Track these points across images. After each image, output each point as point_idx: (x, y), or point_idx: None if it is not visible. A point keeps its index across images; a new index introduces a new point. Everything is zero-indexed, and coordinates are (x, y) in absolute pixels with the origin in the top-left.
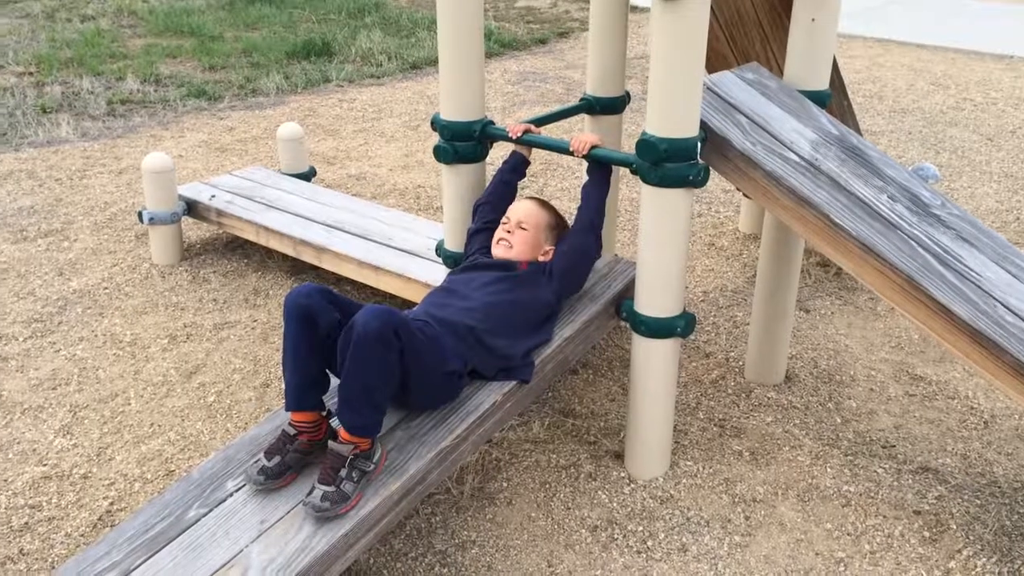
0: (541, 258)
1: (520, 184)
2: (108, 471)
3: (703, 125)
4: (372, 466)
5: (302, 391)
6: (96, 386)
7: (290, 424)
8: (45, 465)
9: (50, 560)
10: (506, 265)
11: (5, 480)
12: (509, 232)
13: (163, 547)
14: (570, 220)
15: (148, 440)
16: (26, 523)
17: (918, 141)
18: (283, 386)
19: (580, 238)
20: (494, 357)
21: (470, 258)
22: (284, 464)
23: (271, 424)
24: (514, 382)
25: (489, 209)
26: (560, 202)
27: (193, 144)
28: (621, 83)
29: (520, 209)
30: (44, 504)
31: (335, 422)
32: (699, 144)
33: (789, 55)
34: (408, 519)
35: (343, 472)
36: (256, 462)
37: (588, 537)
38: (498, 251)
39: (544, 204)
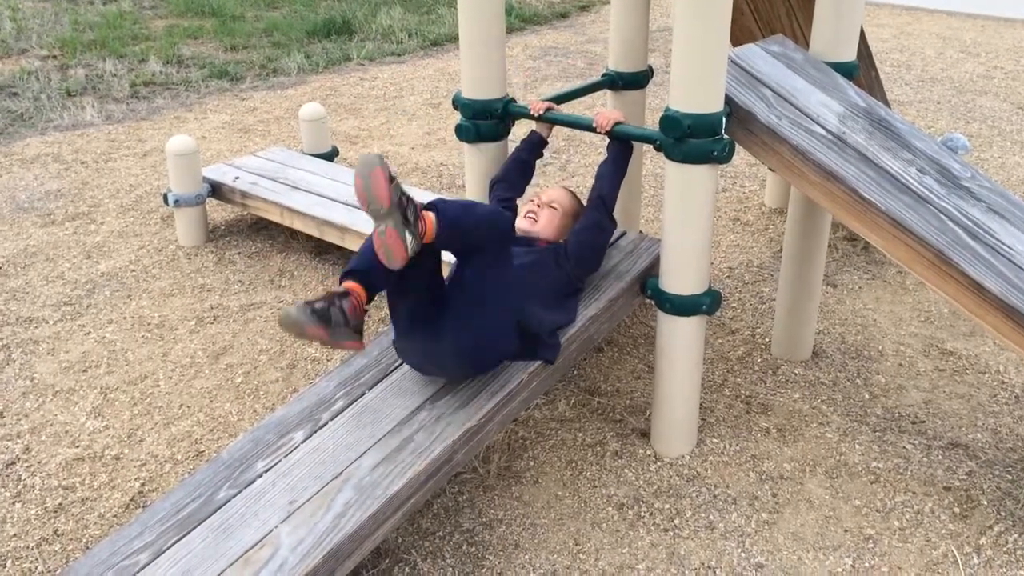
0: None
1: (543, 161)
2: (139, 452)
3: (728, 99)
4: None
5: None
6: (126, 368)
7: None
8: (78, 447)
9: (84, 540)
10: (527, 241)
11: (39, 462)
12: (538, 207)
13: (194, 528)
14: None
15: (178, 421)
16: (60, 504)
17: (947, 111)
18: (308, 367)
19: (592, 215)
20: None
21: None
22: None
23: (299, 405)
24: (539, 362)
25: (505, 187)
26: (583, 178)
27: (216, 125)
28: (644, 57)
29: (553, 191)
30: (77, 485)
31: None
32: (724, 119)
33: (815, 26)
34: (435, 498)
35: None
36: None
37: (615, 515)
38: (523, 224)
39: (574, 195)
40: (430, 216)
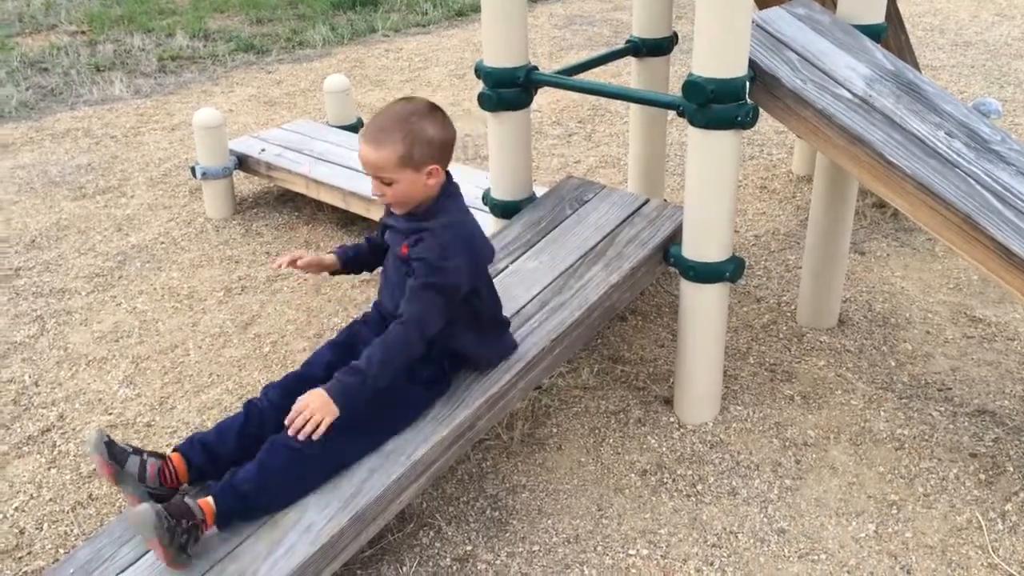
0: (430, 181)
1: (568, 131)
2: (170, 419)
3: (752, 63)
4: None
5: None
6: (156, 338)
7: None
8: (111, 414)
9: (118, 504)
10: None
11: (73, 429)
12: (375, 195)
13: None
14: (615, 172)
15: (207, 390)
16: (94, 469)
17: (981, 75)
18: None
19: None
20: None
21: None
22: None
23: None
24: (561, 329)
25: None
26: (608, 148)
27: (242, 98)
28: (668, 22)
29: (362, 153)
30: None
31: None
32: (747, 83)
33: None
34: (459, 464)
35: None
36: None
37: (637, 481)
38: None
39: (380, 133)
40: (176, 457)
